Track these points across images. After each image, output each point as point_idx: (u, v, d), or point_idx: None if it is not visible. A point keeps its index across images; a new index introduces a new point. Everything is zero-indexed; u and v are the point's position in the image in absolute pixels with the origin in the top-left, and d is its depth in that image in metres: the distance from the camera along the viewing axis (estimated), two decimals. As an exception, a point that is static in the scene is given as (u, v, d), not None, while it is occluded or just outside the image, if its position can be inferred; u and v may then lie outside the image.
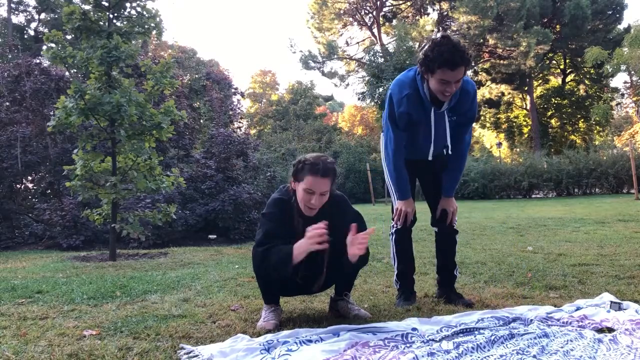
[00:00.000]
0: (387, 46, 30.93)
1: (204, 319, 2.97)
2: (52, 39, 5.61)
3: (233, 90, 21.28)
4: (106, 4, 6.03)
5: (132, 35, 6.11)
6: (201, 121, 21.02)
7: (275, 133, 37.15)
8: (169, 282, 4.15)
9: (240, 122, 23.43)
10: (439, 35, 2.86)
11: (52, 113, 7.36)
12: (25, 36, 28.49)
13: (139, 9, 6.20)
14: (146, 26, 6.21)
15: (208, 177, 8.53)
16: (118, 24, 6.20)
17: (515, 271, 4.14)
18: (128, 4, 6.11)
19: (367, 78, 15.51)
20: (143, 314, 3.12)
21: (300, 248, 2.56)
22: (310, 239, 2.53)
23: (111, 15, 6.11)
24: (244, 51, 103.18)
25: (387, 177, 3.25)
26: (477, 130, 42.45)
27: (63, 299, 3.68)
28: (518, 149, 37.73)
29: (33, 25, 28.60)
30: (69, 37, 10.72)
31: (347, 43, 34.84)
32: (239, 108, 22.05)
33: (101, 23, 5.97)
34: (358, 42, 34.88)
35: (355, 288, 3.53)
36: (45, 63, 9.93)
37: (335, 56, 32.67)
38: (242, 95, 24.70)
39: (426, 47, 2.86)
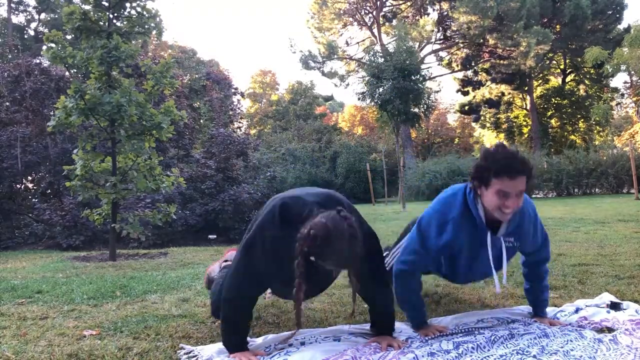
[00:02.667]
0: (387, 46, 30.93)
1: (204, 319, 2.97)
2: (52, 39, 5.61)
3: (233, 90, 21.28)
4: (106, 4, 6.02)
5: (132, 36, 6.10)
6: (201, 121, 20.98)
7: (275, 133, 37.12)
8: (169, 282, 4.15)
9: (240, 122, 23.41)
10: (493, 145, 2.43)
11: (52, 113, 7.35)
12: (25, 36, 28.47)
13: (139, 9, 6.20)
14: (146, 26, 6.22)
15: (208, 177, 8.53)
16: (118, 24, 6.19)
17: (515, 271, 4.12)
18: (128, 4, 6.10)
19: (367, 78, 15.58)
20: (143, 314, 3.12)
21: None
22: None
23: (111, 15, 6.11)
24: (243, 51, 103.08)
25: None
26: (477, 131, 42.49)
27: (63, 299, 3.68)
28: (518, 149, 37.66)
29: (33, 25, 28.62)
30: (69, 37, 10.70)
31: (347, 43, 34.81)
32: (239, 108, 22.04)
33: (101, 23, 5.97)
34: (358, 42, 34.86)
35: None
36: (45, 63, 9.93)
37: (335, 56, 32.63)
38: (242, 95, 24.71)
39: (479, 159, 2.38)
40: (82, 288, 3.99)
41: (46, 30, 27.15)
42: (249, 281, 2.24)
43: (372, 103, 16.65)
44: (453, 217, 2.40)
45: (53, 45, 5.62)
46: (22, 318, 3.15)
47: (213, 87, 17.99)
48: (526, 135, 37.41)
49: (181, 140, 8.71)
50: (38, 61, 10.10)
